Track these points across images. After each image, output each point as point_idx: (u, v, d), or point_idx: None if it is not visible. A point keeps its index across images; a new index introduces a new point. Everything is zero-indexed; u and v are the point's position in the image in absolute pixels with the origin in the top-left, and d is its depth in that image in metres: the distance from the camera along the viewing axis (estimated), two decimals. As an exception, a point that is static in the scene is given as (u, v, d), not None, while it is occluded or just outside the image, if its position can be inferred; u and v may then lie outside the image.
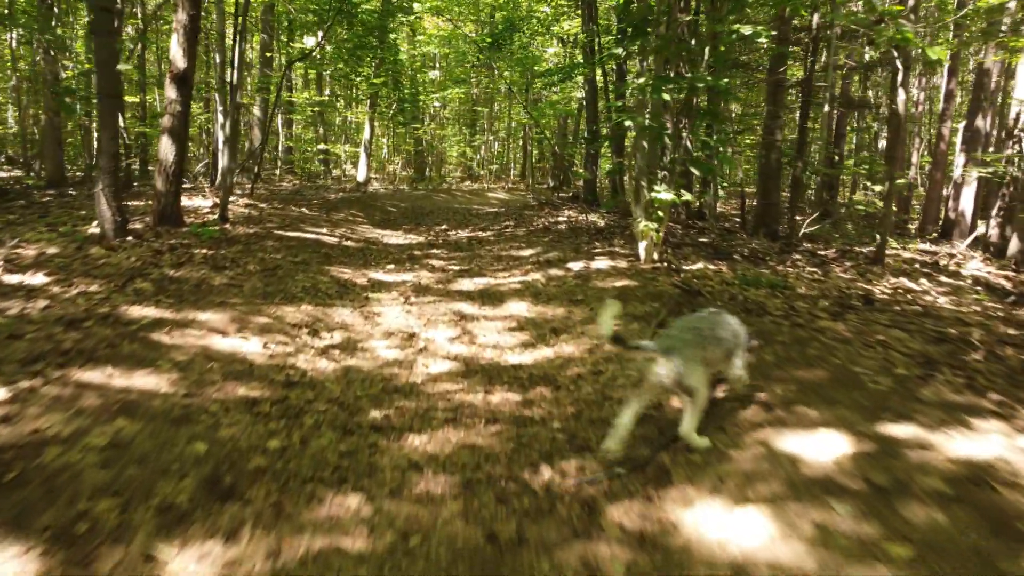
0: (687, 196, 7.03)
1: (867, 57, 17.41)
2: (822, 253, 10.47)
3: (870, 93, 21.18)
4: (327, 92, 29.11)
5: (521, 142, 32.23)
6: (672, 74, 7.64)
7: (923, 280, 8.80)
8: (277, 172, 25.55)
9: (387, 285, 6.62)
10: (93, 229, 6.98)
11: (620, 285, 6.38)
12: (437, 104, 29.16)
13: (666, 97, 6.81)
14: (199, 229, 6.77)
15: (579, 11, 20.57)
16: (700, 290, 5.87)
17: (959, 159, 15.93)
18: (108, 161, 6.58)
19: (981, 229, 15.60)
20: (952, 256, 12.28)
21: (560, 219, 14.77)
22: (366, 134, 22.47)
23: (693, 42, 7.82)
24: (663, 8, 7.09)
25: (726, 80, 6.85)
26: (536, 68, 22.21)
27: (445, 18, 25.32)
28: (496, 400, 3.99)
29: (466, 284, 6.95)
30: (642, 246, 7.56)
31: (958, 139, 17.60)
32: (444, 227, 13.86)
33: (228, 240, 7.47)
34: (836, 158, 14.32)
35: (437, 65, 29.24)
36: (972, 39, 15.13)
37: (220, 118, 18.13)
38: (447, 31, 25.77)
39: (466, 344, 5.04)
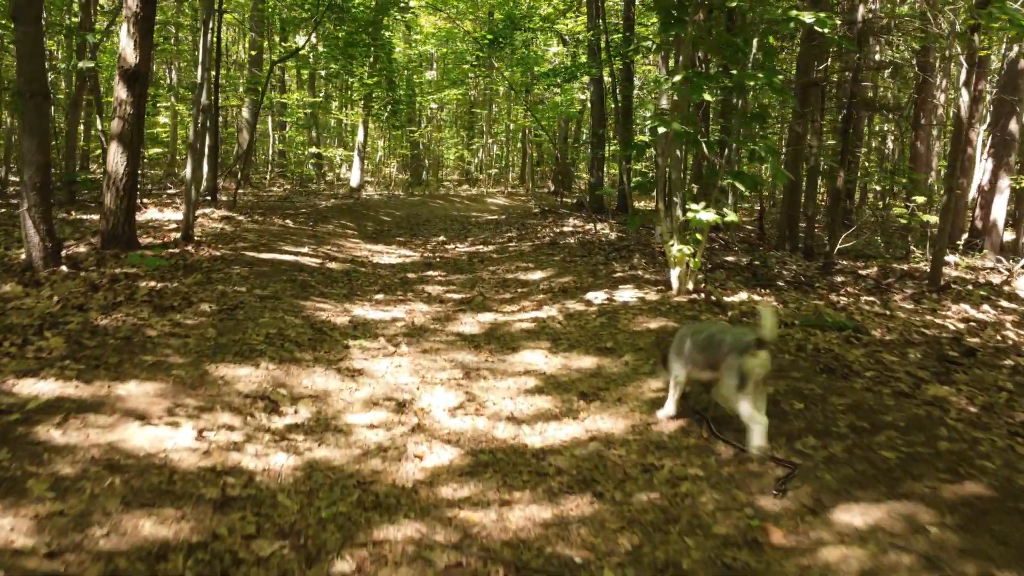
0: (731, 216, 5.91)
1: (877, 57, 16.30)
2: (864, 273, 9.37)
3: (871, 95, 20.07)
4: (321, 93, 27.98)
5: (520, 144, 31.13)
6: (708, 70, 6.54)
7: (986, 307, 7.70)
8: (268, 176, 24.41)
9: (374, 327, 5.46)
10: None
11: (656, 327, 5.24)
12: (434, 106, 28.05)
13: (708, 97, 5.69)
14: (140, 259, 5.59)
15: (584, 7, 19.47)
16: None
17: (987, 165, 14.88)
18: (35, 174, 5.42)
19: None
20: (991, 269, 11.22)
21: (566, 229, 13.66)
22: (360, 137, 21.34)
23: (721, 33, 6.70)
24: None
25: (780, 77, 5.73)
26: (537, 68, 21.06)
27: (442, 16, 24.19)
28: (516, 520, 2.85)
29: (469, 323, 5.80)
30: (674, 273, 6.43)
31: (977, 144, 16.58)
32: (441, 239, 12.73)
33: (187, 267, 6.31)
34: (867, 164, 13.25)
35: (434, 65, 28.10)
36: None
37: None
38: (445, 29, 24.65)
39: (472, 415, 3.90)
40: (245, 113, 20.91)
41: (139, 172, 7.39)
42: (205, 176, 16.76)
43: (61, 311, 4.47)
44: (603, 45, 15.89)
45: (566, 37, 25.51)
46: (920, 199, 10.68)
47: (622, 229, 13.32)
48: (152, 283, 5.48)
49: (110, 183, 6.67)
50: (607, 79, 16.88)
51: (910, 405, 3.63)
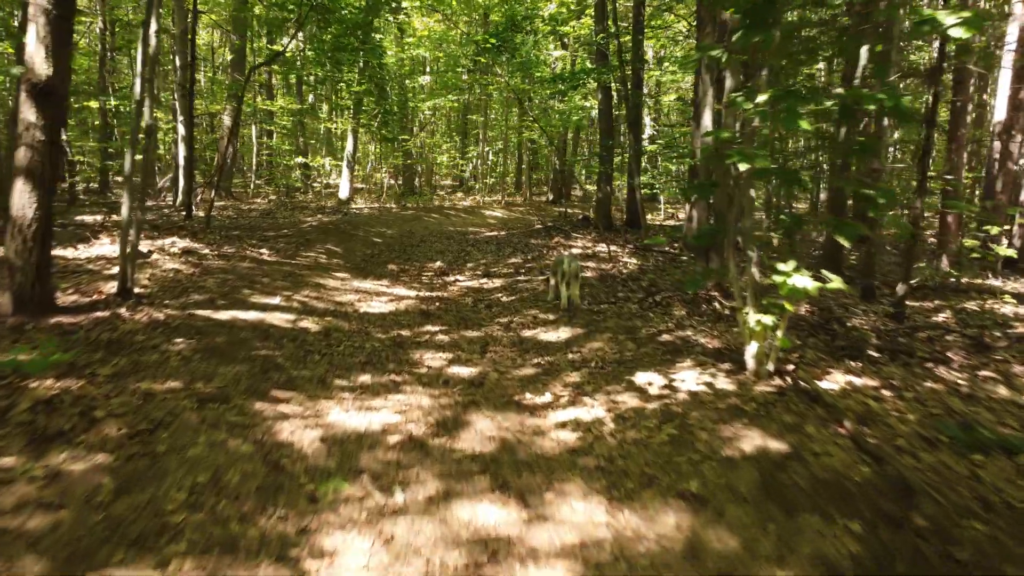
0: (836, 283, 4.43)
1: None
2: (941, 319, 7.94)
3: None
4: (310, 98, 26.43)
5: (516, 151, 29.65)
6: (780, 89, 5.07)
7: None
8: (251, 187, 22.85)
9: (355, 448, 3.91)
10: None
11: (751, 450, 3.74)
12: (428, 112, 26.53)
13: (806, 126, 4.21)
14: (18, 360, 3.91)
15: (590, 9, 18.01)
16: (921, 485, 3.23)
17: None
18: None
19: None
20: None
21: (575, 251, 12.21)
22: (349, 146, 19.82)
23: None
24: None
25: (908, 97, 4.25)
26: (538, 73, 19.56)
27: (437, 18, 22.69)
28: None
29: (485, 429, 4.27)
30: (751, 350, 4.94)
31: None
32: (439, 265, 11.23)
33: (110, 345, 4.77)
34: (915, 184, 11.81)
35: (427, 69, 26.58)
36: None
37: (182, 129, 15.39)
38: (439, 32, 23.13)
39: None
40: (226, 120, 19.38)
41: (66, 185, 5.86)
42: (180, 190, 15.21)
43: None
44: (613, 49, 14.46)
45: (566, 40, 24.02)
46: (995, 229, 9.28)
47: (637, 251, 11.89)
48: (50, 383, 3.95)
49: (15, 231, 5.13)
50: (616, 85, 15.43)
51: None
